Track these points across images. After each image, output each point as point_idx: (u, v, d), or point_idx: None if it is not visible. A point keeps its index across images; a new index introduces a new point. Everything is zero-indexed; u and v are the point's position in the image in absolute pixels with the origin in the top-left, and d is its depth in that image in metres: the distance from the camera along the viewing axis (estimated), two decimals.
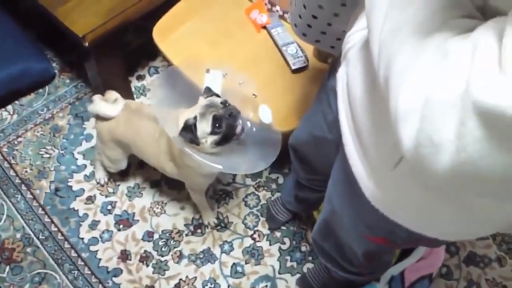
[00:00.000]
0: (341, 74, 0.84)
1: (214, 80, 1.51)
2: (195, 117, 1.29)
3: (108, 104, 1.59)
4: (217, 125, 1.27)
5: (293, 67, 1.67)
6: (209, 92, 1.38)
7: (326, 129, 1.05)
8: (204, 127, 1.28)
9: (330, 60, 1.68)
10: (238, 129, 1.31)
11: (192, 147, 1.30)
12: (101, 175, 1.84)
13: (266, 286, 1.67)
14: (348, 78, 0.79)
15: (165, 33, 1.78)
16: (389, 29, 0.54)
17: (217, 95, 1.38)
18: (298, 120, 1.58)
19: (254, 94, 1.55)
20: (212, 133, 1.28)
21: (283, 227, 1.78)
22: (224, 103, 1.32)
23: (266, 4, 1.80)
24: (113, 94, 1.63)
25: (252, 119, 1.49)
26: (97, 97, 1.60)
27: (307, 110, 1.27)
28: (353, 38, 0.80)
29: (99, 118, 1.59)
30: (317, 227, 1.20)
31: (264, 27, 1.77)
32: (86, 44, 1.65)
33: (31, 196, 1.81)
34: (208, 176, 1.58)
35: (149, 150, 1.56)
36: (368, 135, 0.72)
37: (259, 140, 1.45)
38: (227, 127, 1.29)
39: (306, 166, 1.36)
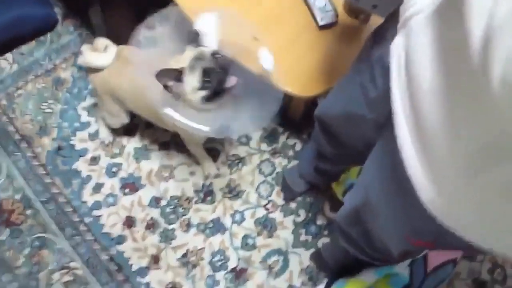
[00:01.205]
0: (397, 46, 0.66)
1: (208, 25, 1.33)
2: (181, 68, 1.15)
3: (98, 53, 1.46)
4: (206, 79, 1.14)
5: (321, 23, 1.48)
6: (196, 38, 1.22)
7: (365, 107, 0.89)
8: (192, 82, 1.15)
9: (362, 16, 1.48)
10: (230, 83, 1.17)
11: (181, 100, 1.17)
12: (106, 134, 1.72)
13: (278, 260, 1.57)
14: (410, 54, 0.62)
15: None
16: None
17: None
18: (323, 85, 1.42)
19: (255, 38, 1.38)
20: (202, 88, 1.15)
21: (298, 198, 1.65)
22: (214, 54, 1.18)
23: None
24: (102, 42, 1.48)
25: (252, 67, 1.32)
26: (85, 48, 1.47)
27: (339, 79, 1.09)
28: (419, 0, 0.63)
29: (92, 70, 1.46)
30: (344, 212, 1.07)
31: None
32: None
33: (31, 154, 1.70)
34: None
35: (143, 102, 1.42)
36: (437, 132, 0.56)
37: (257, 95, 1.30)
38: (217, 81, 1.15)
39: (333, 141, 1.20)
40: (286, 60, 1.45)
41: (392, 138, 0.66)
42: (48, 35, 1.93)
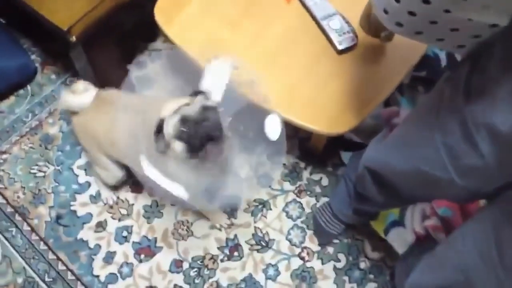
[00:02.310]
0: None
1: (218, 72, 1.15)
2: (162, 117, 0.99)
3: (77, 95, 1.32)
4: (182, 128, 0.97)
5: (340, 47, 1.31)
6: (198, 93, 1.05)
7: (454, 172, 0.75)
8: (169, 128, 0.98)
9: (384, 34, 1.31)
10: (213, 150, 0.98)
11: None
12: (107, 194, 1.53)
13: None
14: None
15: (170, 13, 1.40)
16: None
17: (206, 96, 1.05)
18: (353, 118, 1.25)
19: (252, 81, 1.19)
20: (176, 136, 0.98)
21: (335, 241, 1.48)
22: (209, 107, 0.99)
23: None
24: (80, 85, 1.35)
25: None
26: (63, 92, 1.37)
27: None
28: None
29: (73, 113, 1.34)
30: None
31: None
32: (73, 38, 1.28)
33: (28, 228, 1.50)
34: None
35: (129, 148, 1.22)
36: None
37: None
38: (196, 134, 0.96)
39: (389, 192, 1.05)
40: (305, 92, 1.29)
41: None
42: (28, 87, 1.73)
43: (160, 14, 1.39)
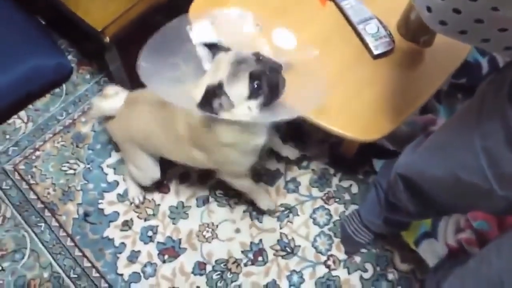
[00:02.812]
0: None
1: (203, 35, 1.15)
2: (219, 82, 0.98)
3: (108, 100, 1.36)
4: (256, 85, 0.98)
5: (375, 52, 1.27)
6: (219, 48, 1.07)
7: (494, 181, 0.71)
8: (239, 91, 0.99)
9: (422, 39, 1.27)
10: (282, 88, 1.02)
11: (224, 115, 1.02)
12: (135, 193, 1.53)
13: None
14: None
15: (204, 15, 1.39)
16: None
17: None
18: (388, 125, 1.21)
19: (257, 24, 1.20)
20: (252, 96, 0.98)
21: (362, 250, 1.44)
22: (257, 56, 1.01)
23: None
24: (111, 89, 1.39)
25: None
26: (94, 100, 1.42)
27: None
28: None
29: (107, 119, 1.38)
30: None
31: None
32: (107, 39, 1.30)
33: (56, 224, 1.51)
34: (250, 152, 1.21)
35: (167, 141, 1.26)
36: None
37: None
38: (270, 85, 0.99)
39: (422, 201, 1.00)
40: (338, 98, 1.25)
41: None
42: (64, 86, 1.76)
43: (195, 15, 1.40)
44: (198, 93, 1.00)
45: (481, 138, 0.71)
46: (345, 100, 1.25)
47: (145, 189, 1.54)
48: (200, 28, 1.16)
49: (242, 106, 1.00)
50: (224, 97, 0.98)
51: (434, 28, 0.71)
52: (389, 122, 1.22)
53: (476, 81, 1.55)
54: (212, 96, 0.98)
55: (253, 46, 1.08)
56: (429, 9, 0.68)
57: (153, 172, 1.41)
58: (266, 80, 0.99)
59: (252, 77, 0.98)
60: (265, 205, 1.44)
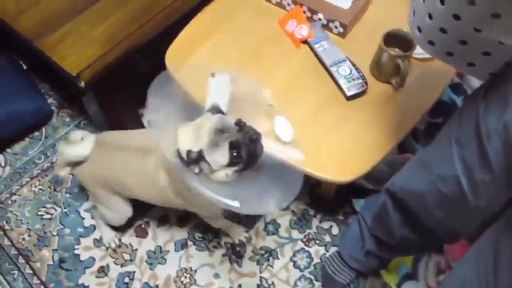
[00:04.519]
0: None
1: (220, 87, 1.19)
2: (199, 151, 1.00)
3: (75, 145, 1.32)
4: (235, 154, 1.00)
5: (348, 93, 1.29)
6: (214, 109, 1.10)
7: (469, 191, 0.76)
8: (218, 159, 1.01)
9: (395, 79, 1.30)
10: (261, 156, 1.05)
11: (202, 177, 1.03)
12: (109, 237, 1.50)
13: None
14: None
15: (181, 59, 1.42)
16: None
17: (222, 112, 1.11)
18: (363, 165, 1.21)
19: (270, 105, 1.24)
20: (231, 164, 1.01)
21: None
22: (239, 124, 1.04)
23: (305, 12, 1.42)
24: (76, 134, 1.36)
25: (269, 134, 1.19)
26: (60, 146, 1.35)
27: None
28: None
29: (75, 164, 1.33)
30: None
31: (305, 42, 1.39)
32: (82, 84, 1.30)
33: (30, 271, 1.47)
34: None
35: (141, 185, 1.26)
36: None
37: (277, 165, 1.13)
38: (248, 154, 1.02)
39: (410, 222, 1.03)
40: (312, 138, 1.26)
41: None
42: (43, 129, 1.76)
43: (170, 60, 1.41)
44: (181, 143, 1.02)
45: (458, 147, 0.77)
46: (319, 141, 1.25)
47: (123, 233, 1.51)
48: (221, 79, 1.18)
49: (220, 172, 1.02)
50: (203, 164, 1.00)
51: (424, 48, 0.76)
52: (365, 162, 1.22)
53: None
54: (193, 162, 1.00)
55: (253, 123, 1.10)
56: (419, 29, 0.73)
57: (126, 211, 1.40)
58: (245, 149, 1.01)
59: (232, 146, 1.00)
60: (237, 238, 1.47)
